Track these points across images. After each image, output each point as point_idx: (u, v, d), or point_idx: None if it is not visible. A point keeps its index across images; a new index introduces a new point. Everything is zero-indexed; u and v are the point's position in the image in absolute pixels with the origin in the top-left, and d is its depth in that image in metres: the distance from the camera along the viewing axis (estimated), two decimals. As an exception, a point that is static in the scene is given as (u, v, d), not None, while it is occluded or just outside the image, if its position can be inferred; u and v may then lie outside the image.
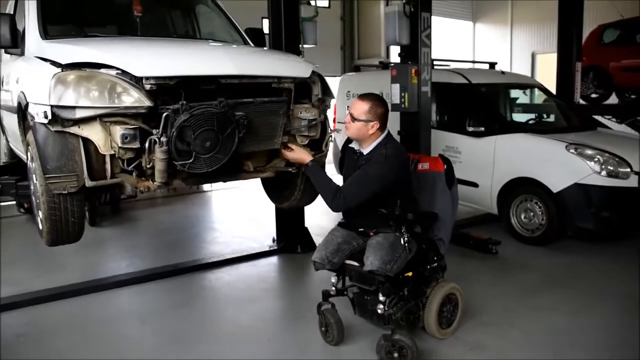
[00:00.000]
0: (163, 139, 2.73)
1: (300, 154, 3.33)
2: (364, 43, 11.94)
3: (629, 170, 5.32)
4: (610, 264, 5.25)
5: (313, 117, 3.34)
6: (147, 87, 2.73)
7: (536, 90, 7.54)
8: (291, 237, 5.87)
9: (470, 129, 6.16)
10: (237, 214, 7.97)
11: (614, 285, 4.63)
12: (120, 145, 2.70)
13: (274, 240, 5.96)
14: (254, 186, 9.05)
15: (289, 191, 3.95)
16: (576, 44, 7.89)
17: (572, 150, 5.46)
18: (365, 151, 3.35)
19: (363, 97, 3.34)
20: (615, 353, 3.44)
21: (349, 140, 3.59)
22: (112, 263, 5.62)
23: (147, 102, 2.71)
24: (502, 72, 7.50)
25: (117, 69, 2.75)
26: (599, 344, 3.59)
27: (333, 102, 8.26)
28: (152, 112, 2.77)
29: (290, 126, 3.33)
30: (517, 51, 13.14)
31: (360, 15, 12.50)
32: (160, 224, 7.45)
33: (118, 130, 2.69)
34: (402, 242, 3.23)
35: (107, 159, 2.85)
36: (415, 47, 5.82)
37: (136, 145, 2.72)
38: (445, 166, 3.58)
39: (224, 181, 3.26)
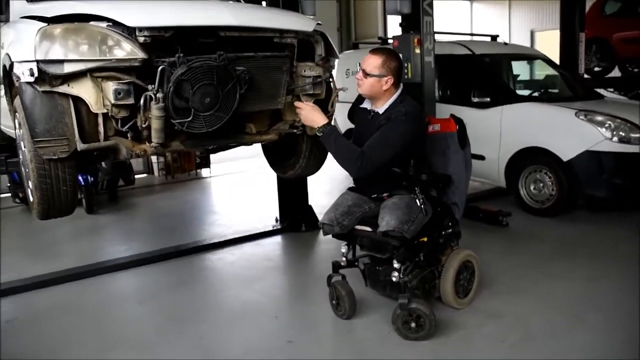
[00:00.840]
0: (159, 94, 2.54)
1: (315, 114, 3.03)
2: (361, 23, 11.73)
3: (640, 135, 5.15)
4: (624, 230, 5.10)
5: (317, 75, 3.15)
6: (141, 39, 2.54)
7: (540, 62, 7.35)
8: (295, 215, 5.71)
9: (476, 99, 5.98)
10: (238, 197, 7.78)
11: (630, 252, 4.46)
12: (113, 102, 2.51)
13: (277, 220, 5.80)
14: (255, 169, 9.07)
15: (293, 159, 3.76)
16: (579, 13, 7.71)
17: (582, 117, 5.29)
18: (381, 109, 3.17)
19: (375, 51, 3.19)
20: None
21: (359, 101, 3.43)
22: (110, 248, 5.42)
23: (141, 54, 2.52)
24: (505, 44, 7.32)
25: (108, 20, 2.55)
26: (621, 307, 3.44)
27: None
28: (147, 67, 2.58)
29: (294, 84, 3.13)
30: (516, 29, 12.91)
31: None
32: (159, 210, 7.28)
33: (110, 86, 2.50)
34: (418, 203, 3.06)
35: (100, 120, 2.66)
36: (417, 15, 5.63)
37: (130, 101, 2.53)
38: (457, 126, 3.40)
39: (225, 144, 3.09)
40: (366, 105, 3.32)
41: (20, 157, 3.02)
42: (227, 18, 2.75)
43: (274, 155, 4.00)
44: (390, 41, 6.39)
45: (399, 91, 3.21)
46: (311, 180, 5.74)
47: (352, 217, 3.19)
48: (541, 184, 5.63)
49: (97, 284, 4.37)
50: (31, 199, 2.92)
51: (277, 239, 5.48)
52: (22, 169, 3.01)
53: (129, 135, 2.71)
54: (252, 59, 2.84)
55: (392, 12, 5.84)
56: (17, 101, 2.76)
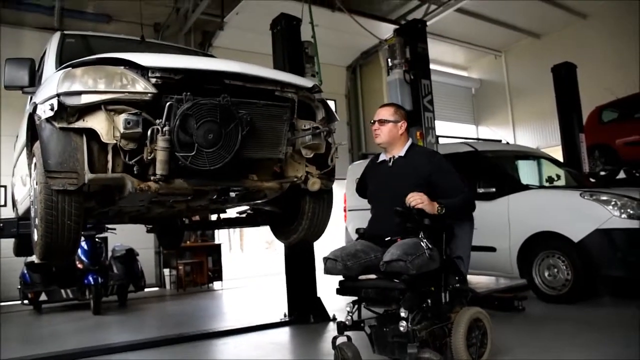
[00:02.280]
0: (166, 128, 2.71)
1: (427, 205, 3.11)
2: (371, 141, 12.26)
3: (649, 211, 5.12)
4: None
5: (316, 126, 3.32)
6: (153, 80, 2.77)
7: (547, 163, 7.50)
8: (303, 308, 5.57)
9: (481, 190, 6.06)
10: (249, 301, 7.67)
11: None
12: (122, 131, 2.67)
13: (285, 315, 5.65)
14: (264, 282, 9.04)
15: (296, 222, 3.82)
16: (577, 117, 8.10)
17: (588, 197, 5.32)
18: (402, 152, 3.39)
19: (384, 105, 3.54)
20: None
21: (374, 159, 3.63)
22: (114, 338, 5.27)
23: (152, 89, 2.73)
24: (507, 143, 7.57)
25: (125, 64, 2.80)
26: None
27: (342, 190, 8.34)
28: (156, 106, 2.78)
29: (294, 137, 3.30)
30: (522, 148, 13.35)
31: (365, 116, 13.03)
32: (168, 312, 7.24)
33: (121, 117, 2.68)
34: (423, 245, 3.03)
35: (109, 156, 2.80)
36: (418, 111, 5.99)
37: (138, 130, 2.68)
38: None
39: (228, 186, 3.14)
40: (382, 157, 3.50)
41: (31, 194, 3.13)
42: (232, 66, 3.01)
43: (277, 222, 4.05)
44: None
45: (411, 139, 3.50)
46: (319, 271, 5.72)
47: (357, 262, 3.13)
48: (555, 270, 5.49)
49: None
50: (35, 237, 2.97)
51: (285, 329, 5.30)
52: (31, 208, 3.10)
53: (135, 169, 2.82)
54: (254, 105, 3.04)
55: (394, 109, 6.19)
56: (36, 145, 2.93)
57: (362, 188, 3.68)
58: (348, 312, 3.21)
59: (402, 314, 2.92)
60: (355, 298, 3.20)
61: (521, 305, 5.19)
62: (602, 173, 9.11)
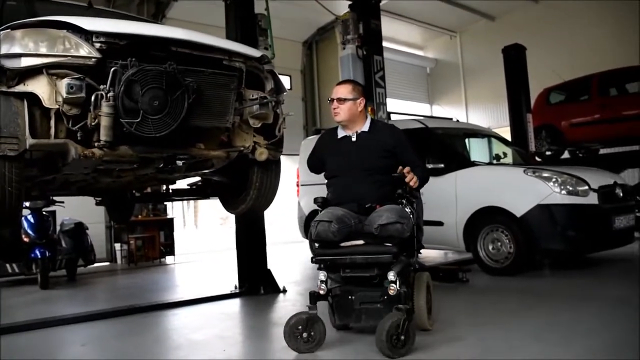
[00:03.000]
0: (110, 94, 2.68)
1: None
2: (326, 117, 12.32)
3: (586, 187, 5.37)
4: (579, 281, 5.14)
5: (264, 95, 3.33)
6: (97, 45, 2.72)
7: (496, 141, 7.73)
8: (254, 280, 5.62)
9: (430, 166, 6.20)
10: (201, 274, 7.70)
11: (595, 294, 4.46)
12: (65, 96, 2.62)
13: (236, 287, 5.69)
14: (218, 257, 9.05)
15: (244, 193, 3.84)
16: (524, 96, 8.36)
17: (530, 173, 5.53)
18: (366, 128, 3.50)
19: (341, 82, 3.63)
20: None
21: (330, 135, 3.65)
22: (63, 310, 5.20)
23: (96, 54, 2.69)
24: (457, 121, 7.75)
25: (68, 27, 2.74)
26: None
27: (295, 165, 8.38)
28: (100, 71, 2.73)
29: (242, 105, 3.30)
30: (473, 127, 13.70)
31: (321, 92, 13.05)
32: (118, 285, 7.18)
33: (64, 81, 2.63)
34: (408, 210, 3.18)
35: (52, 119, 2.75)
36: (370, 87, 6.07)
37: (81, 95, 2.64)
38: None
39: (174, 154, 3.13)
40: (343, 133, 3.54)
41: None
42: (178, 33, 2.98)
43: (226, 193, 4.06)
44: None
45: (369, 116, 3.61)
46: (270, 244, 5.78)
47: (344, 226, 3.14)
48: (499, 243, 5.70)
49: (42, 334, 4.16)
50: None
51: (236, 301, 5.34)
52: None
53: (78, 135, 2.78)
54: (201, 73, 3.03)
55: (347, 84, 6.25)
56: None
57: (317, 163, 3.69)
58: (322, 281, 3.12)
59: (391, 277, 2.95)
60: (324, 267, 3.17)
61: (465, 277, 5.38)
62: (548, 153, 9.44)
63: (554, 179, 5.40)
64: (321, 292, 3.09)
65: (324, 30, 12.91)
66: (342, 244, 3.17)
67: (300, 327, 3.04)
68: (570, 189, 5.35)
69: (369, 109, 5.95)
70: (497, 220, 5.70)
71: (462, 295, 4.92)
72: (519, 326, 3.53)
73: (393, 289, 2.93)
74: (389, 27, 10.02)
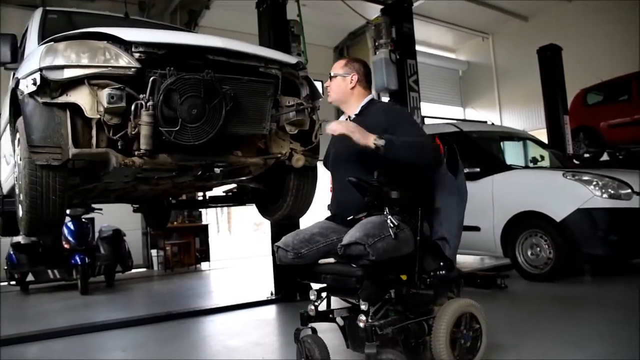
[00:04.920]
0: (149, 103, 2.72)
1: (359, 134, 2.58)
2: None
3: (629, 191, 5.21)
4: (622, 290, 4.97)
5: (300, 102, 3.33)
6: (136, 55, 2.77)
7: (533, 144, 7.57)
8: (289, 287, 5.62)
9: (466, 170, 6.07)
10: (236, 281, 7.77)
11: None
12: (106, 105, 2.67)
13: (272, 294, 5.70)
14: (252, 263, 9.11)
15: (280, 199, 3.85)
16: (561, 97, 8.18)
17: (570, 177, 5.40)
18: (357, 111, 2.88)
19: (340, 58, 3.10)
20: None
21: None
22: (101, 316, 5.31)
23: (135, 64, 2.73)
24: (493, 124, 7.63)
25: (108, 38, 2.79)
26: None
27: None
28: (140, 81, 2.78)
29: (278, 112, 3.31)
30: (508, 130, 13.45)
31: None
32: (155, 291, 7.32)
33: (105, 91, 2.68)
34: (390, 224, 2.47)
35: (93, 129, 2.80)
36: (404, 91, 6.03)
37: (122, 105, 2.68)
38: (445, 148, 2.82)
39: (212, 162, 3.15)
40: (342, 118, 2.98)
41: (15, 171, 3.13)
42: (215, 42, 3.01)
43: (262, 200, 4.08)
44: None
45: (371, 96, 2.96)
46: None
47: (313, 248, 2.66)
48: (538, 248, 5.59)
49: (83, 340, 4.26)
50: (20, 213, 2.98)
51: (272, 307, 5.36)
52: (15, 185, 3.11)
53: (119, 144, 2.83)
54: (237, 80, 3.05)
55: (380, 88, 6.23)
56: (19, 120, 2.92)
57: (325, 161, 3.17)
58: (311, 300, 2.76)
59: (362, 307, 2.47)
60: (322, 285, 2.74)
61: (503, 283, 5.28)
62: (586, 155, 9.22)
63: (594, 182, 5.26)
64: (310, 313, 2.73)
65: (354, 35, 12.87)
66: (320, 261, 2.69)
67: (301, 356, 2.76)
68: (612, 192, 5.20)
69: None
70: (536, 225, 5.58)
71: (500, 301, 4.82)
72: (560, 334, 3.44)
73: (362, 321, 2.42)
74: (420, 30, 9.93)
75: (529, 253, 5.67)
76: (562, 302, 4.63)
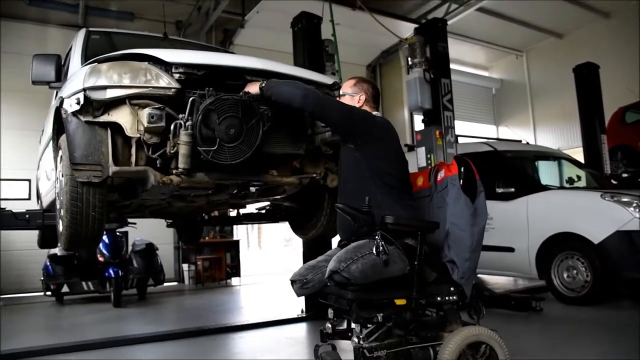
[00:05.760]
0: (188, 122, 2.76)
1: (250, 85, 2.91)
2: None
3: (671, 213, 5.06)
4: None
5: (336, 122, 3.34)
6: (176, 75, 2.82)
7: (568, 164, 7.42)
8: (320, 304, 5.58)
9: (500, 190, 6.04)
10: (267, 297, 7.80)
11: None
12: (146, 124, 2.72)
13: (302, 311, 5.69)
14: (282, 279, 9.10)
15: (314, 218, 3.86)
16: (598, 115, 8.04)
17: (608, 198, 5.27)
18: None
19: (350, 78, 3.10)
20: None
21: None
22: (134, 329, 5.37)
23: (175, 85, 2.78)
24: (527, 143, 7.52)
25: (149, 59, 2.86)
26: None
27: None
28: (179, 102, 2.83)
29: (314, 132, 3.33)
30: (542, 149, 13.21)
31: (385, 115, 12.98)
32: (186, 305, 7.37)
33: (145, 111, 2.73)
34: (374, 248, 2.46)
35: (133, 147, 2.86)
36: (438, 110, 5.99)
37: (162, 125, 2.73)
38: (462, 169, 2.76)
39: (248, 180, 3.18)
40: None
41: (57, 187, 3.21)
42: (253, 62, 3.05)
43: (297, 219, 4.09)
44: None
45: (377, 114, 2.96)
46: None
47: (318, 272, 2.72)
48: (574, 271, 5.46)
49: (117, 353, 4.32)
50: (60, 228, 3.05)
51: (302, 325, 5.35)
52: (57, 201, 3.19)
53: (157, 163, 2.88)
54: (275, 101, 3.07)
55: (414, 107, 6.21)
56: (62, 138, 3.00)
57: None
58: (329, 318, 2.82)
59: (352, 325, 2.56)
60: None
61: (539, 306, 5.17)
62: (624, 175, 8.98)
63: (634, 204, 5.12)
64: (327, 330, 2.78)
65: (387, 53, 12.92)
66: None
67: None
68: (653, 214, 5.06)
69: (437, 132, 5.87)
70: (573, 246, 5.47)
71: (535, 325, 4.73)
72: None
73: (354, 342, 2.48)
74: (453, 48, 9.84)
75: (565, 275, 5.55)
76: (601, 326, 4.50)
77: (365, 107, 2.93)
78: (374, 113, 2.93)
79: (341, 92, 3.00)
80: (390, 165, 2.77)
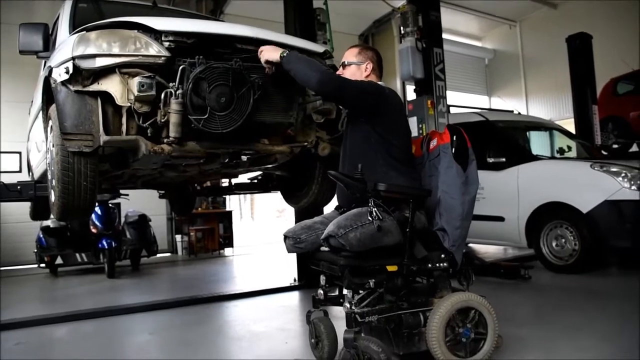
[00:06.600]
0: (179, 91, 2.75)
1: (270, 50, 2.87)
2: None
3: (660, 183, 5.11)
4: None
5: (328, 91, 3.33)
6: (166, 44, 2.79)
7: (560, 134, 7.45)
8: (313, 273, 5.65)
9: (491, 160, 6.07)
10: (259, 267, 7.89)
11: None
12: (137, 93, 2.70)
13: (295, 280, 5.76)
14: (275, 249, 9.19)
15: (306, 187, 3.88)
16: (590, 86, 8.04)
17: (598, 168, 5.31)
18: None
19: (351, 46, 3.08)
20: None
21: None
22: (128, 299, 5.44)
23: (165, 53, 2.76)
24: (519, 113, 7.53)
25: (138, 27, 2.83)
26: None
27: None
28: (169, 70, 2.81)
29: (305, 101, 3.32)
30: (534, 120, 13.26)
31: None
32: (179, 275, 7.45)
33: (136, 79, 2.71)
34: (370, 215, 2.50)
35: (123, 116, 2.84)
36: (430, 80, 5.97)
37: (152, 93, 2.72)
38: (454, 137, 2.79)
39: (240, 149, 3.19)
40: None
41: (48, 157, 3.20)
42: (244, 30, 3.03)
43: (288, 188, 4.11)
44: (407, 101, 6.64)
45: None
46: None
47: (312, 234, 2.75)
48: (563, 240, 5.53)
49: (111, 322, 4.38)
50: (52, 198, 3.05)
51: (295, 293, 5.41)
52: (48, 171, 3.18)
53: (148, 132, 2.87)
54: (265, 69, 3.05)
55: (405, 77, 6.19)
56: (52, 108, 2.98)
57: None
58: (321, 285, 2.91)
59: (344, 292, 2.60)
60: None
61: (527, 274, 5.24)
62: (615, 146, 9.04)
63: (623, 174, 5.17)
64: (320, 297, 2.87)
65: (380, 22, 12.81)
66: (321, 249, 2.73)
67: (312, 339, 2.92)
68: (641, 183, 5.12)
69: (428, 102, 5.86)
70: (562, 216, 5.52)
71: (524, 292, 4.81)
72: (585, 326, 3.43)
73: (346, 308, 2.53)
74: (446, 17, 9.80)
75: (554, 244, 5.62)
76: (588, 293, 4.59)
77: (372, 76, 2.91)
78: (379, 83, 2.90)
79: (346, 62, 2.94)
80: (398, 138, 2.79)
